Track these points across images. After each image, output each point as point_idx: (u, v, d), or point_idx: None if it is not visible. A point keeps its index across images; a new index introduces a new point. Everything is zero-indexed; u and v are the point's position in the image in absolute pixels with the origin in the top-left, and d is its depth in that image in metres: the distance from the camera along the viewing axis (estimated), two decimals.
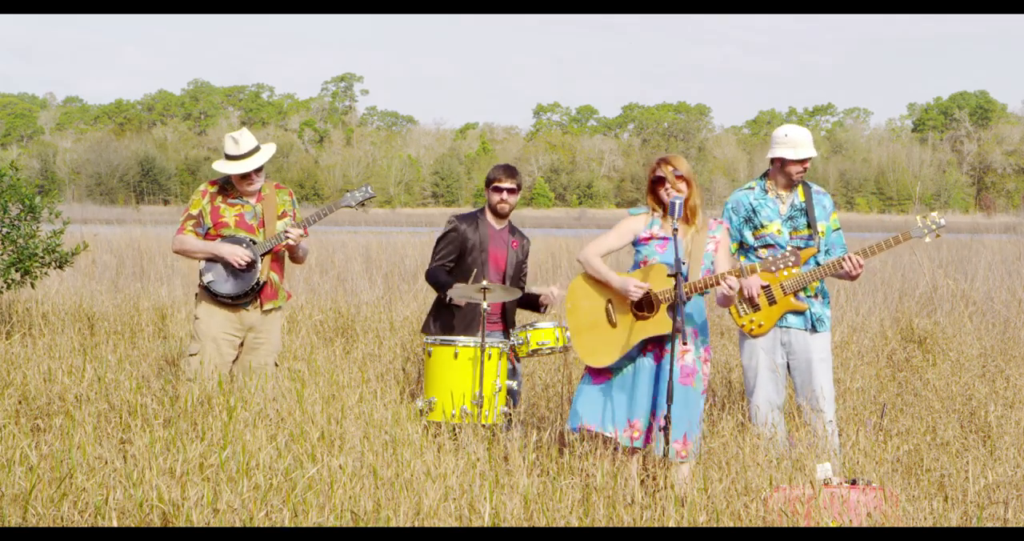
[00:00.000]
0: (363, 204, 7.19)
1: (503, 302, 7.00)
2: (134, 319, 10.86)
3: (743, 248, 6.71)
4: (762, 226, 6.63)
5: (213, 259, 6.89)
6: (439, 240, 7.13)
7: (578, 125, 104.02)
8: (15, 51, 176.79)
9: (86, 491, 4.91)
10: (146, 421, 6.02)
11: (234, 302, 6.91)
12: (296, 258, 7.12)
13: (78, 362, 7.43)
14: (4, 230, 9.61)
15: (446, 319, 7.04)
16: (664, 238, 6.03)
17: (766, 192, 6.70)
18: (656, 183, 6.04)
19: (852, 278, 6.53)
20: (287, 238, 6.88)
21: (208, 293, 6.93)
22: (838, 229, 6.78)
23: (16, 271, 9.55)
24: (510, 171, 7.17)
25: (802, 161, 6.59)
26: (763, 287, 6.54)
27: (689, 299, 5.97)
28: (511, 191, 7.10)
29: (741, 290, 6.53)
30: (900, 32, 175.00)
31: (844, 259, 6.45)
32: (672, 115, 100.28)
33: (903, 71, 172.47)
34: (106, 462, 5.25)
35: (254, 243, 6.91)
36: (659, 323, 5.92)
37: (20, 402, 6.68)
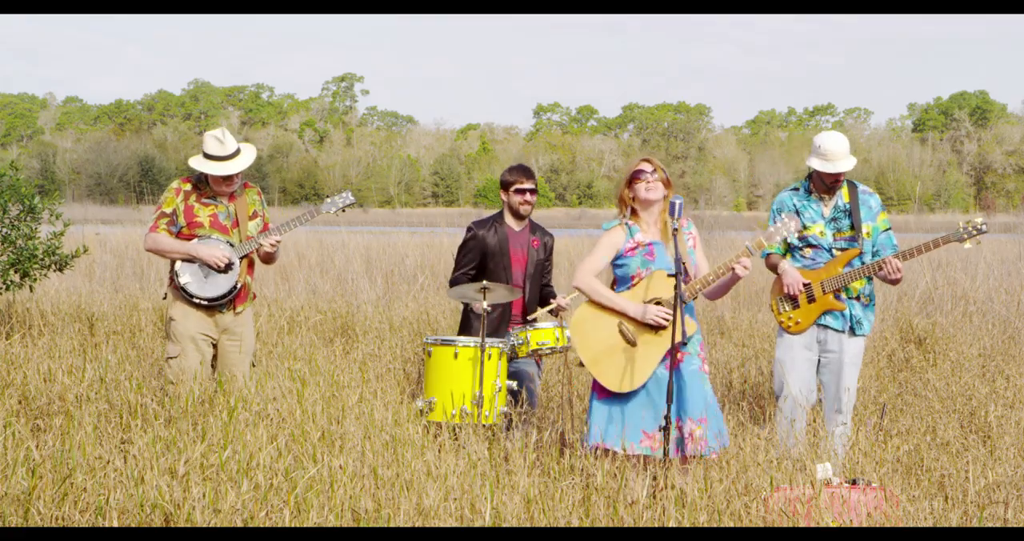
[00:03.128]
0: (343, 210, 7.05)
1: (524, 301, 6.98)
2: (134, 319, 10.86)
3: (788, 248, 6.77)
4: (805, 227, 6.70)
5: (189, 259, 6.78)
6: (460, 249, 7.10)
7: (578, 125, 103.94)
8: (17, 51, 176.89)
9: (87, 491, 4.91)
10: (146, 421, 6.02)
11: (210, 305, 6.82)
12: (270, 261, 7.00)
13: (78, 362, 7.43)
14: (4, 231, 9.59)
15: (477, 328, 6.91)
16: (649, 244, 5.86)
17: (809, 193, 6.77)
18: (634, 176, 5.89)
19: (893, 282, 6.54)
20: (261, 246, 6.79)
21: (183, 294, 6.80)
22: (887, 229, 6.80)
23: (15, 272, 9.54)
24: (528, 172, 7.18)
25: (835, 173, 6.62)
26: (804, 285, 6.57)
27: (694, 297, 5.92)
28: (533, 191, 7.13)
29: (782, 287, 6.65)
30: (900, 32, 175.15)
31: (885, 261, 6.48)
32: (672, 115, 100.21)
33: (903, 71, 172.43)
34: (107, 462, 5.24)
35: (231, 245, 6.80)
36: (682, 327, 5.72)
37: (20, 402, 6.68)
